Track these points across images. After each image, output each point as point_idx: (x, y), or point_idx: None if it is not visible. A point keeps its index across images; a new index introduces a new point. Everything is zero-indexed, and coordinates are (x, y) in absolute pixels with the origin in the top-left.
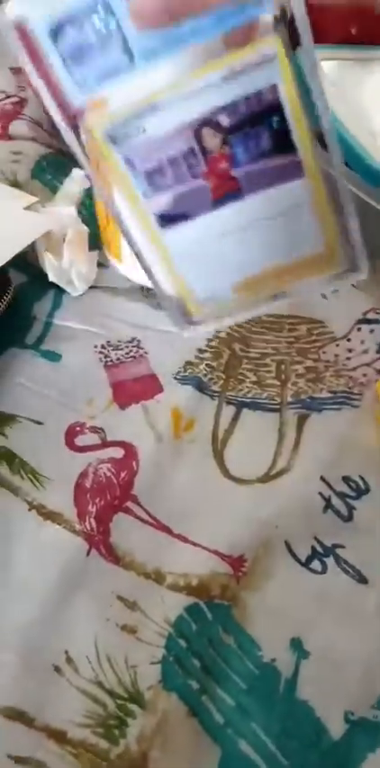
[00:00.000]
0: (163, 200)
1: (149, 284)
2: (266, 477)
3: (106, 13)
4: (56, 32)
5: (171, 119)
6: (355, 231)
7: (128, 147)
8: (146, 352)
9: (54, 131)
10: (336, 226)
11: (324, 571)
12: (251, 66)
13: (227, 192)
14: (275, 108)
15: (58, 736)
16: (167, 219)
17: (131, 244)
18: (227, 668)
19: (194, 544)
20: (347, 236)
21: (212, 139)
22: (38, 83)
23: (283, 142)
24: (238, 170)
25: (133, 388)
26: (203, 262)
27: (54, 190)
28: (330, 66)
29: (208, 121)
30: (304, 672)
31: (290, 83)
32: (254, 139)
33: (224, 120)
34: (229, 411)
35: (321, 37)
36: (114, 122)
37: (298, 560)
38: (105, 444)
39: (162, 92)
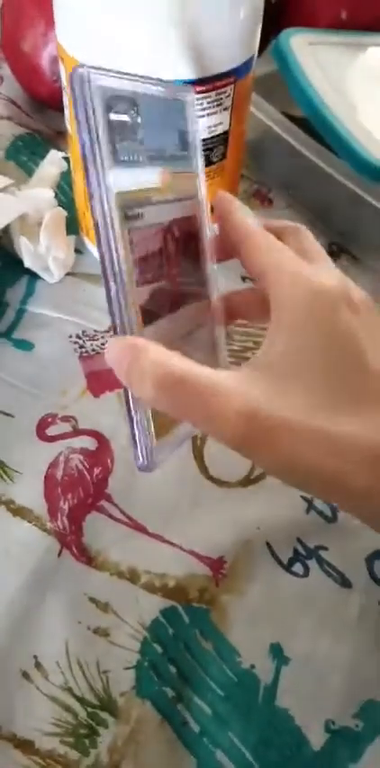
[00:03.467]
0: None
1: None
2: (247, 481)
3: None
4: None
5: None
6: None
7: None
8: None
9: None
10: None
11: (306, 574)
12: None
13: None
14: None
15: (26, 747)
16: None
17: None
18: (204, 675)
19: (171, 544)
20: None
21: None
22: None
23: None
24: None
25: (108, 378)
26: None
27: (30, 171)
28: (319, 50)
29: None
30: (284, 679)
31: None
32: None
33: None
34: None
35: (311, 20)
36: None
37: (280, 563)
38: (77, 432)
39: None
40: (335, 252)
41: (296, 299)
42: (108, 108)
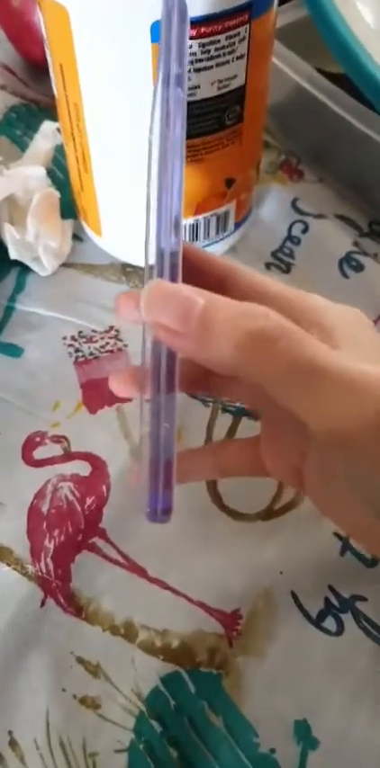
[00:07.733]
0: None
1: (132, 261)
2: (269, 513)
3: None
4: None
5: None
6: None
7: None
8: (125, 345)
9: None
10: None
11: (340, 632)
12: None
13: None
14: None
15: None
16: None
17: None
18: (213, 760)
19: (176, 592)
20: None
21: None
22: None
23: None
24: None
25: (107, 389)
26: None
27: (24, 147)
28: None
29: None
30: (312, 767)
31: None
32: None
33: None
34: (225, 420)
35: None
36: None
37: (308, 617)
38: (69, 456)
39: None
40: (376, 231)
41: (347, 319)
42: None
